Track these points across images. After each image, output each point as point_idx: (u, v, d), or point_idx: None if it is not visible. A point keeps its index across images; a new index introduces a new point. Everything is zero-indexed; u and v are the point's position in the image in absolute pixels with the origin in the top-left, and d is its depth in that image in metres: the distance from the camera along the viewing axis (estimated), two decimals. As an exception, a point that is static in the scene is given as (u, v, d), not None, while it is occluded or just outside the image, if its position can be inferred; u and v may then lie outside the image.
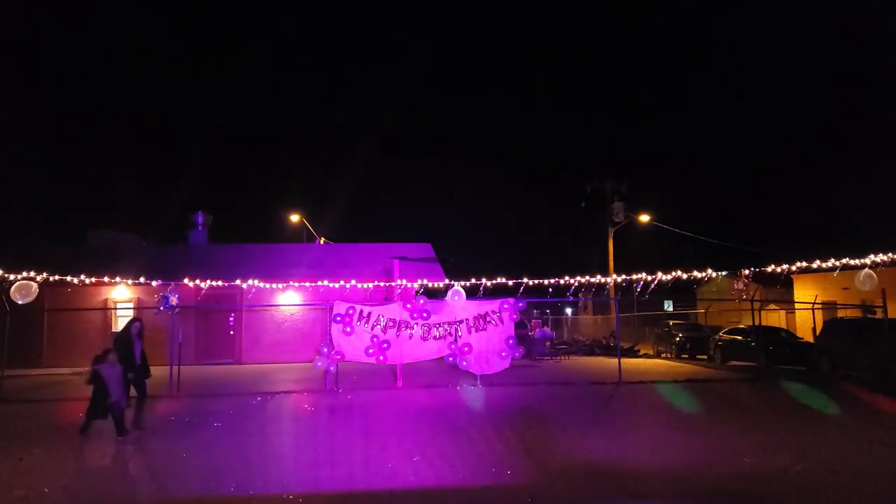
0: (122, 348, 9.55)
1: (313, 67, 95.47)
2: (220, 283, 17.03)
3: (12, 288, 12.77)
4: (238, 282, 17.06)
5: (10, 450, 8.27)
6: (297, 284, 19.55)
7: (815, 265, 13.92)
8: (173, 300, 14.71)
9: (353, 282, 17.24)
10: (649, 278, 15.71)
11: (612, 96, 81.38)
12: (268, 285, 17.95)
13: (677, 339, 23.80)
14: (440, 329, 14.82)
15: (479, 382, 14.64)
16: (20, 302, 12.91)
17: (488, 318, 14.95)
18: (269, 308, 21.67)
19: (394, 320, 14.72)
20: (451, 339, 14.79)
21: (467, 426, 10.02)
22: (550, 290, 16.66)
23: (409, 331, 14.73)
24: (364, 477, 6.96)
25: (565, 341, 29.79)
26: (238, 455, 8.07)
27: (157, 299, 15.67)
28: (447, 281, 17.58)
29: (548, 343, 24.52)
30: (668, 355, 23.97)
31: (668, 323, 26.39)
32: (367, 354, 14.53)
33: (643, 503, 6.14)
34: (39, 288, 13.35)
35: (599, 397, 13.03)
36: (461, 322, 14.88)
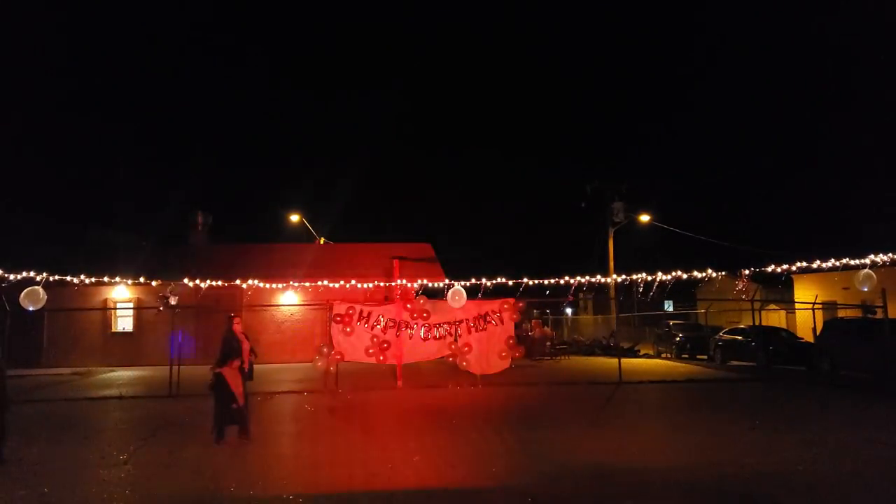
0: (234, 349, 8.89)
1: (314, 66, 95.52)
2: (220, 283, 17.02)
3: (21, 295, 12.74)
4: (238, 282, 17.06)
5: (10, 451, 8.25)
6: (297, 284, 19.53)
7: (815, 265, 13.91)
8: (173, 300, 14.69)
9: (353, 282, 17.24)
10: (649, 278, 15.70)
11: (613, 96, 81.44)
12: (268, 285, 17.94)
13: (677, 339, 23.80)
14: (440, 329, 14.82)
15: (479, 382, 14.64)
16: (31, 308, 12.89)
17: (488, 318, 14.96)
18: (269, 308, 21.66)
19: (394, 320, 14.72)
20: (451, 339, 14.79)
21: (467, 426, 10.02)
22: (549, 291, 16.65)
23: (409, 331, 14.73)
24: (364, 477, 6.96)
25: (565, 341, 29.77)
26: (238, 455, 8.07)
27: (157, 299, 15.66)
28: (447, 281, 17.58)
29: (548, 343, 24.51)
30: (668, 355, 23.96)
31: (669, 323, 26.39)
32: (367, 354, 14.53)
33: (643, 503, 6.14)
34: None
35: (599, 397, 13.02)
36: (461, 322, 14.88)
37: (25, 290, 12.76)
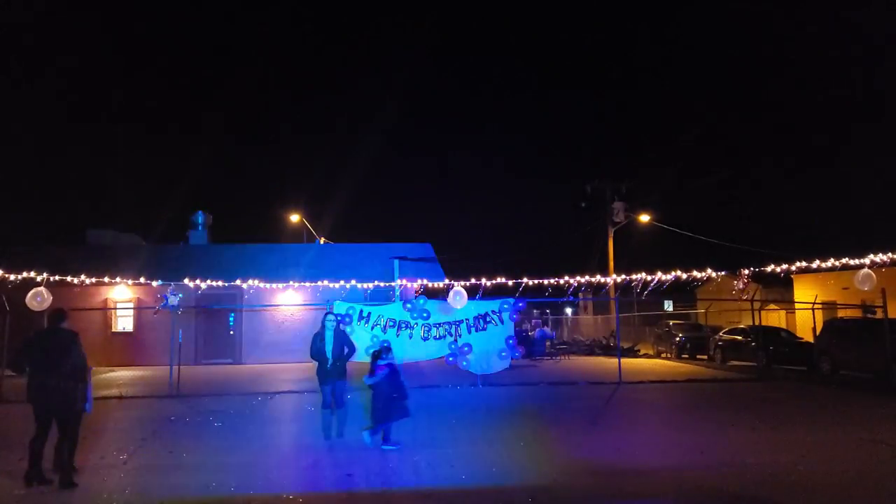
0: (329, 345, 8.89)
1: (314, 67, 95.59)
2: (220, 283, 17.02)
3: (28, 295, 12.78)
4: (238, 282, 17.06)
5: (10, 451, 8.26)
6: (297, 284, 19.53)
7: (815, 265, 13.90)
8: (173, 300, 14.69)
9: (353, 282, 17.24)
10: (649, 278, 15.69)
11: (613, 96, 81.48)
12: (268, 285, 17.94)
13: (677, 339, 23.79)
14: (440, 329, 14.82)
15: (479, 382, 14.64)
16: (38, 309, 12.92)
17: (488, 318, 14.97)
18: (269, 308, 21.65)
19: (394, 320, 14.72)
20: (451, 339, 14.80)
21: (467, 426, 10.03)
22: (549, 290, 16.63)
23: (409, 331, 14.73)
24: (364, 477, 6.96)
25: (565, 341, 29.79)
26: (238, 455, 8.07)
27: (157, 299, 15.65)
28: (447, 281, 17.58)
29: (548, 343, 24.51)
30: (668, 355, 23.96)
31: (668, 323, 26.39)
32: (368, 354, 14.52)
33: (643, 503, 6.14)
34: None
35: (599, 397, 13.02)
36: (461, 322, 14.89)
37: (31, 292, 12.80)
